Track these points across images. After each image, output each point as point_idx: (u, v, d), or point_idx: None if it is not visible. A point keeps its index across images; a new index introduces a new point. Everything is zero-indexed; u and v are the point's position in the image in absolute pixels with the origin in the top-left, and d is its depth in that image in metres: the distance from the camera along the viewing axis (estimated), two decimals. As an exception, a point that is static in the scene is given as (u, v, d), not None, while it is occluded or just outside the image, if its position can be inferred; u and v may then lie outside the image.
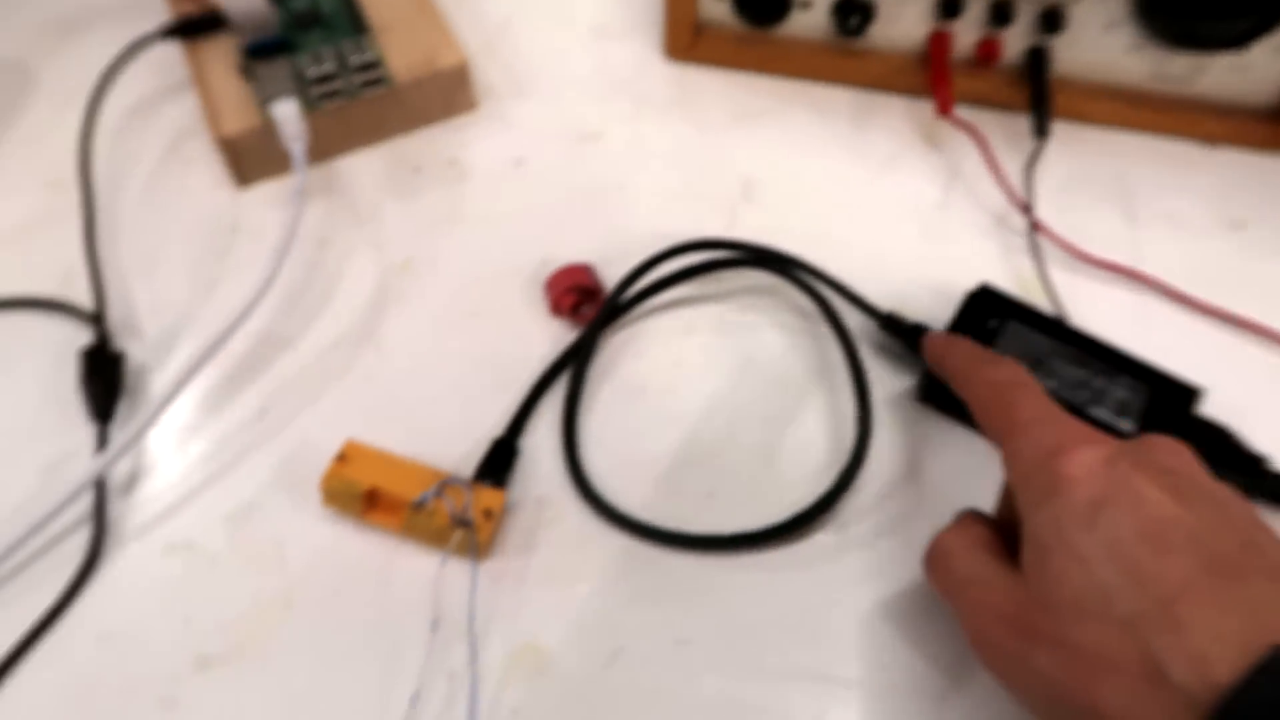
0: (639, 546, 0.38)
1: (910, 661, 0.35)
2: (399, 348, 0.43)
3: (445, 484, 0.36)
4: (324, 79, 0.45)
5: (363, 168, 0.49)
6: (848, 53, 0.51)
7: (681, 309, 0.44)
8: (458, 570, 0.36)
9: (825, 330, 0.43)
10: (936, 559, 0.32)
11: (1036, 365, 0.38)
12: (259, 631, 0.36)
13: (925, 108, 0.51)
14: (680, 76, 0.52)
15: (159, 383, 0.42)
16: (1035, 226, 0.45)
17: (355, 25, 0.48)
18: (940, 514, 0.38)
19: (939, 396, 0.40)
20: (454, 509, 0.36)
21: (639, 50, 0.53)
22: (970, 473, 0.39)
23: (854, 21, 0.48)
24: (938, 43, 0.48)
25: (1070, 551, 0.27)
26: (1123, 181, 0.48)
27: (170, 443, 0.40)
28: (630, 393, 0.41)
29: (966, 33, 0.48)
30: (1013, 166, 0.47)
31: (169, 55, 0.49)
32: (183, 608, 0.36)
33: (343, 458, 0.37)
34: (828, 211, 0.47)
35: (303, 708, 0.34)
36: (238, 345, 0.42)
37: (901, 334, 0.40)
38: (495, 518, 0.36)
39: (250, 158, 0.46)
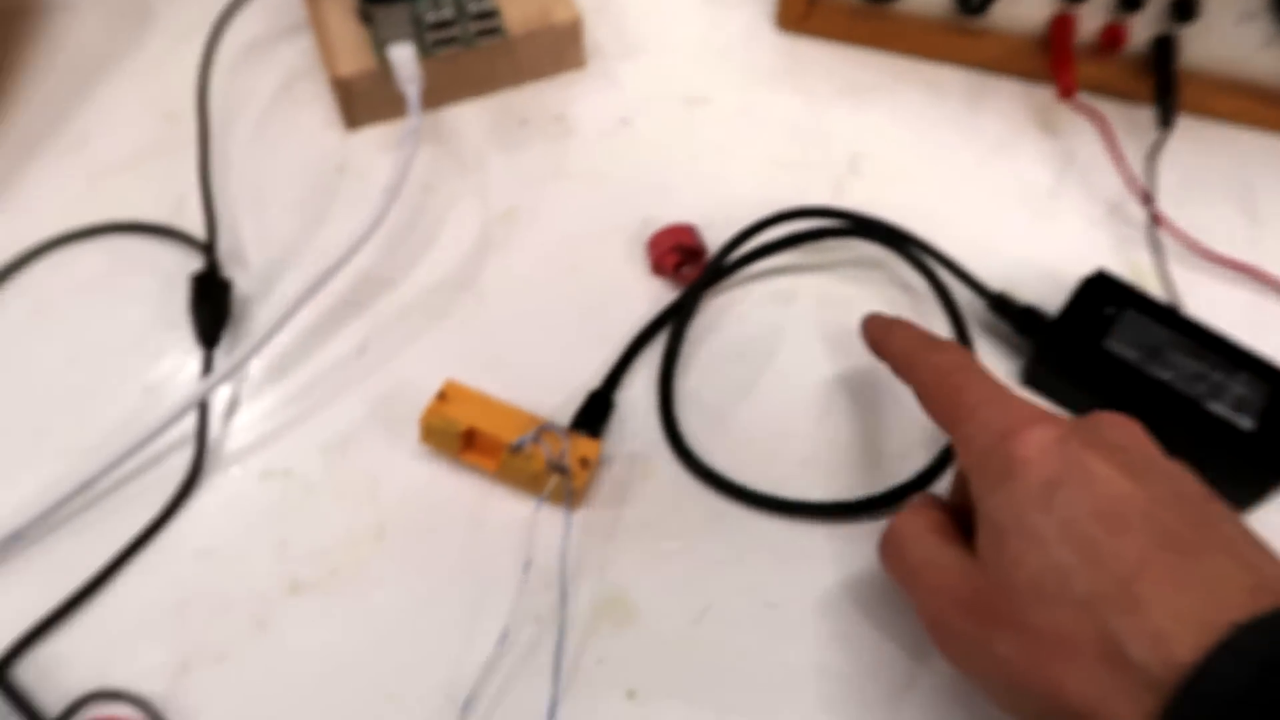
0: (731, 507, 0.37)
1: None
2: (498, 295, 0.43)
3: (543, 429, 0.36)
4: (441, 25, 0.46)
5: (470, 118, 0.49)
6: (965, 32, 0.50)
7: (784, 276, 0.43)
8: (549, 517, 0.36)
9: (930, 308, 0.42)
10: (890, 544, 0.31)
11: (1153, 356, 0.37)
12: (351, 560, 0.36)
13: (1041, 93, 0.49)
14: (791, 47, 0.52)
15: (263, 313, 0.42)
16: (1155, 219, 0.43)
17: (473, -25, 0.48)
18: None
19: (1045, 382, 0.39)
20: (550, 455, 0.36)
21: (750, 19, 0.53)
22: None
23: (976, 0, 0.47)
24: (1061, 26, 0.47)
25: (1026, 533, 0.26)
26: (1246, 180, 0.46)
27: (272, 372, 0.41)
28: (728, 356, 0.41)
29: (1092, 17, 0.47)
30: (1131, 157, 0.46)
31: (287, -5, 0.50)
32: (278, 531, 0.37)
33: (443, 396, 0.37)
34: (935, 191, 0.46)
35: (391, 637, 0.35)
36: (340, 282, 0.43)
37: (1011, 316, 0.40)
38: (591, 467, 0.36)
39: (362, 100, 0.47)
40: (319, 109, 0.49)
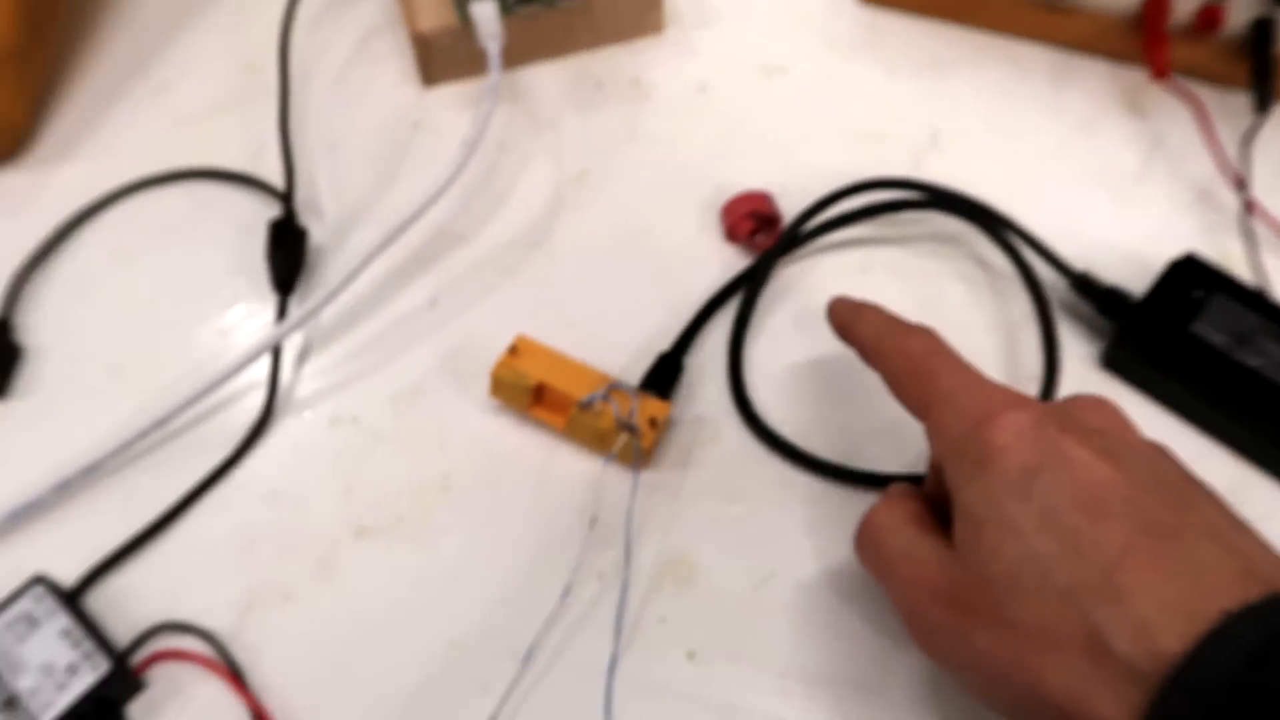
0: (798, 476, 0.37)
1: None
2: (569, 255, 0.43)
3: (612, 388, 0.36)
4: (523, -17, 0.45)
5: (546, 78, 0.49)
6: (1053, 9, 0.48)
7: (859, 248, 0.43)
8: (615, 476, 0.36)
9: (1009, 286, 0.41)
10: (866, 536, 0.31)
11: (1242, 342, 0.36)
12: (416, 509, 0.36)
13: (1129, 74, 0.48)
14: (872, 19, 0.51)
15: (337, 263, 0.43)
16: (1248, 206, 0.42)
17: (555, -65, 0.48)
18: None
19: (1125, 366, 0.38)
20: (619, 414, 0.36)
21: (831, -10, 0.52)
22: (1151, 447, 0.37)
23: (1068, -25, 0.46)
24: (1156, 5, 0.46)
25: (1004, 523, 0.25)
26: (1345, 169, 0.45)
27: (343, 321, 0.41)
28: (800, 324, 0.41)
29: (1188, -2, 0.46)
30: (1224, 142, 0.44)
31: (370, -49, 0.50)
32: (345, 477, 0.37)
33: (514, 350, 0.37)
34: (1016, 169, 0.45)
35: (454, 586, 0.35)
36: (414, 236, 0.43)
37: (1094, 296, 0.39)
38: (659, 427, 0.36)
39: (441, 57, 0.47)
40: (396, 65, 0.49)
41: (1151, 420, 0.37)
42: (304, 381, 0.40)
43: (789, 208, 0.43)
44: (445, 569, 0.35)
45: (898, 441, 0.38)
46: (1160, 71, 0.44)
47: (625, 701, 0.32)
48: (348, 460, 0.38)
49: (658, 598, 0.34)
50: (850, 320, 0.35)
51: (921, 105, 0.47)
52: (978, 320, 0.41)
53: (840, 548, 0.35)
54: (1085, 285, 0.39)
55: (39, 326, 0.41)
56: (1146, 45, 0.45)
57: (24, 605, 0.33)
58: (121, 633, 0.34)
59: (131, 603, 0.35)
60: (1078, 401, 0.28)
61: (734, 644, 0.33)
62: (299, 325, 0.39)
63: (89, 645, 0.32)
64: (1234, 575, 0.23)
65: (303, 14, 0.50)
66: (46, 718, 0.31)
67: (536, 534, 0.36)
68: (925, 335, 0.32)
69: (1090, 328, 0.40)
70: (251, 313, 0.41)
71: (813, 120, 0.47)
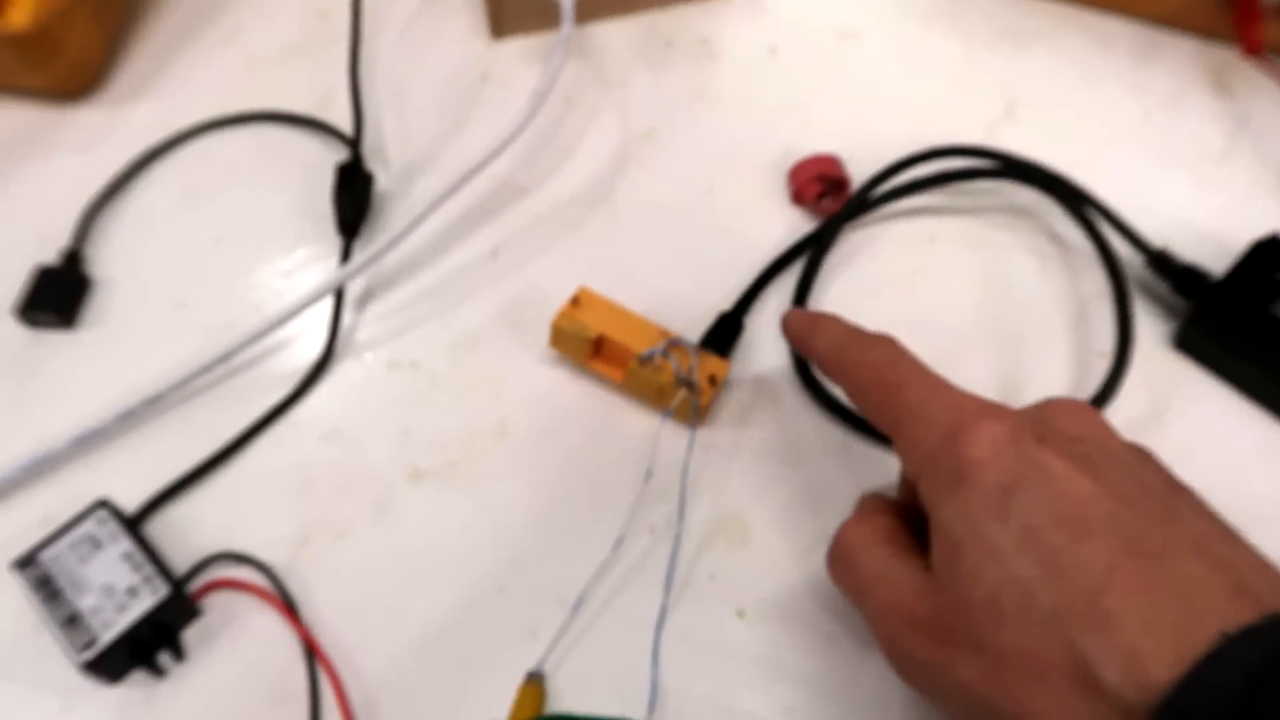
0: (855, 441, 0.37)
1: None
2: (633, 212, 0.42)
3: (673, 343, 0.36)
4: (598, -64, 0.45)
5: (615, 35, 0.48)
6: (1140, -18, 0.47)
7: (928, 217, 0.42)
8: (670, 432, 0.36)
9: (1082, 261, 0.40)
10: (839, 556, 0.29)
11: (1325, 325, 0.35)
12: (471, 455, 0.36)
13: (1215, 52, 0.47)
14: (950, -13, 0.50)
15: (402, 210, 0.43)
16: (1335, 186, 0.41)
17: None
18: (1181, 470, 0.35)
19: (1199, 346, 0.37)
20: (679, 369, 0.35)
21: (910, -45, 0.51)
22: (1221, 430, 0.36)
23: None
24: (1249, -21, 0.44)
25: (983, 545, 0.24)
26: None
27: (405, 268, 0.41)
28: (863, 290, 0.40)
29: (1284, -28, 0.44)
30: (1313, 122, 0.43)
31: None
32: (401, 420, 0.37)
33: (575, 301, 0.37)
34: (1093, 144, 0.44)
35: (506, 532, 0.35)
36: (478, 187, 0.43)
37: (1172, 274, 0.38)
38: (718, 385, 0.36)
39: (511, 8, 0.47)
40: (466, 16, 0.49)
41: (1221, 402, 0.37)
42: (364, 325, 0.40)
43: (857, 174, 0.42)
44: (497, 515, 0.35)
45: (959, 412, 0.37)
46: (1252, 48, 0.43)
47: (672, 655, 0.32)
48: (405, 404, 0.38)
49: (709, 555, 0.34)
50: (807, 332, 0.33)
51: (997, 76, 0.46)
52: (1047, 295, 0.40)
53: (896, 515, 0.35)
54: (1162, 262, 0.38)
55: (108, 260, 0.42)
56: (1238, 21, 0.44)
57: (88, 527, 0.33)
58: (179, 561, 0.34)
59: (190, 533, 0.35)
60: (1054, 406, 0.27)
61: (783, 606, 0.33)
62: (363, 269, 0.39)
63: (149, 569, 0.33)
64: (1224, 594, 0.22)
65: (375, -38, 0.50)
66: (107, 637, 0.31)
67: (590, 485, 0.36)
68: (888, 345, 0.30)
69: (1164, 307, 0.39)
70: (315, 256, 0.41)
71: (885, 87, 0.46)
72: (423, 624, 0.33)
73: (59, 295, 0.40)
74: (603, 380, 0.37)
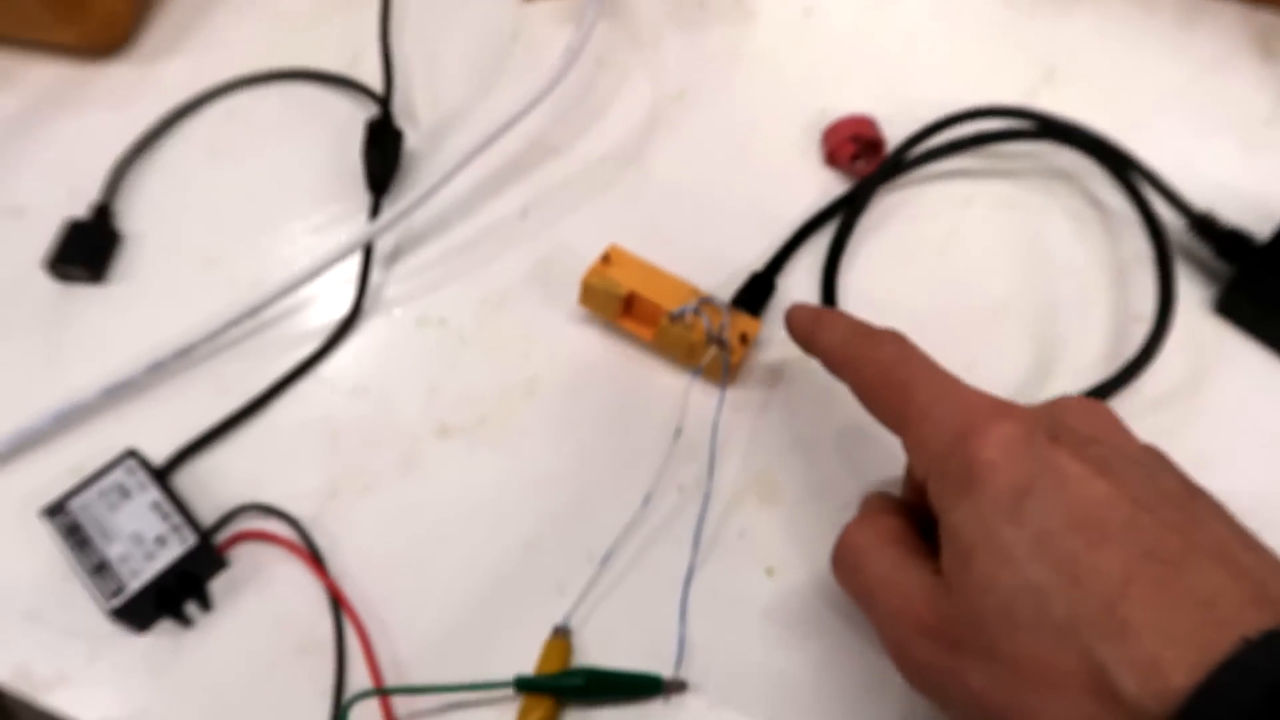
0: (889, 403, 0.36)
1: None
2: (664, 172, 0.42)
3: (704, 301, 0.35)
4: (632, -107, 0.44)
5: (648, -4, 0.48)
6: (1185, -56, 0.46)
7: (964, 180, 0.41)
8: (700, 391, 0.36)
9: (1121, 225, 0.39)
10: (844, 558, 0.28)
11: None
12: (500, 412, 0.36)
13: (1262, 17, 0.46)
14: (990, -50, 0.49)
15: (431, 168, 0.42)
16: (1385, 151, 0.40)
17: None
18: (1220, 435, 0.34)
19: (1241, 311, 0.36)
20: (710, 327, 0.35)
21: (948, -83, 0.50)
22: (1261, 395, 0.35)
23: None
24: (1299, -59, 0.43)
25: (995, 551, 0.23)
26: None
27: (434, 226, 0.41)
28: (897, 253, 0.39)
29: (1336, -67, 0.43)
30: (1364, 87, 0.42)
31: None
32: (429, 377, 0.37)
33: (606, 258, 0.36)
34: (1135, 108, 0.43)
35: (534, 488, 0.35)
36: (508, 146, 0.42)
37: (1215, 238, 0.37)
38: (750, 344, 0.35)
39: (543, -32, 0.46)
40: (497, -24, 0.48)
41: (1264, 367, 0.36)
42: (393, 282, 0.40)
43: (893, 136, 0.42)
44: (525, 471, 0.35)
45: (992, 375, 0.36)
46: (1301, 8, 0.42)
47: (700, 612, 0.32)
48: (433, 361, 0.38)
49: (738, 513, 0.34)
50: (811, 329, 0.32)
51: (1038, 40, 0.46)
52: (1086, 259, 0.39)
53: (929, 477, 0.34)
54: (1206, 226, 0.37)
55: (138, 215, 0.42)
56: (1287, -18, 0.43)
57: (117, 476, 0.34)
58: (206, 513, 0.34)
59: (217, 485, 0.35)
60: (1068, 406, 0.26)
61: (814, 565, 0.33)
62: (392, 224, 0.39)
63: (177, 519, 0.33)
64: (1245, 602, 0.21)
65: (406, -78, 0.49)
66: (134, 585, 0.31)
67: (618, 443, 0.35)
68: (895, 341, 0.29)
69: (1204, 272, 0.38)
70: (344, 213, 0.41)
71: (922, 49, 0.45)
72: (449, 578, 0.33)
73: (88, 249, 0.40)
74: (632, 339, 0.37)
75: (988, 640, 0.23)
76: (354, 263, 0.39)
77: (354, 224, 0.41)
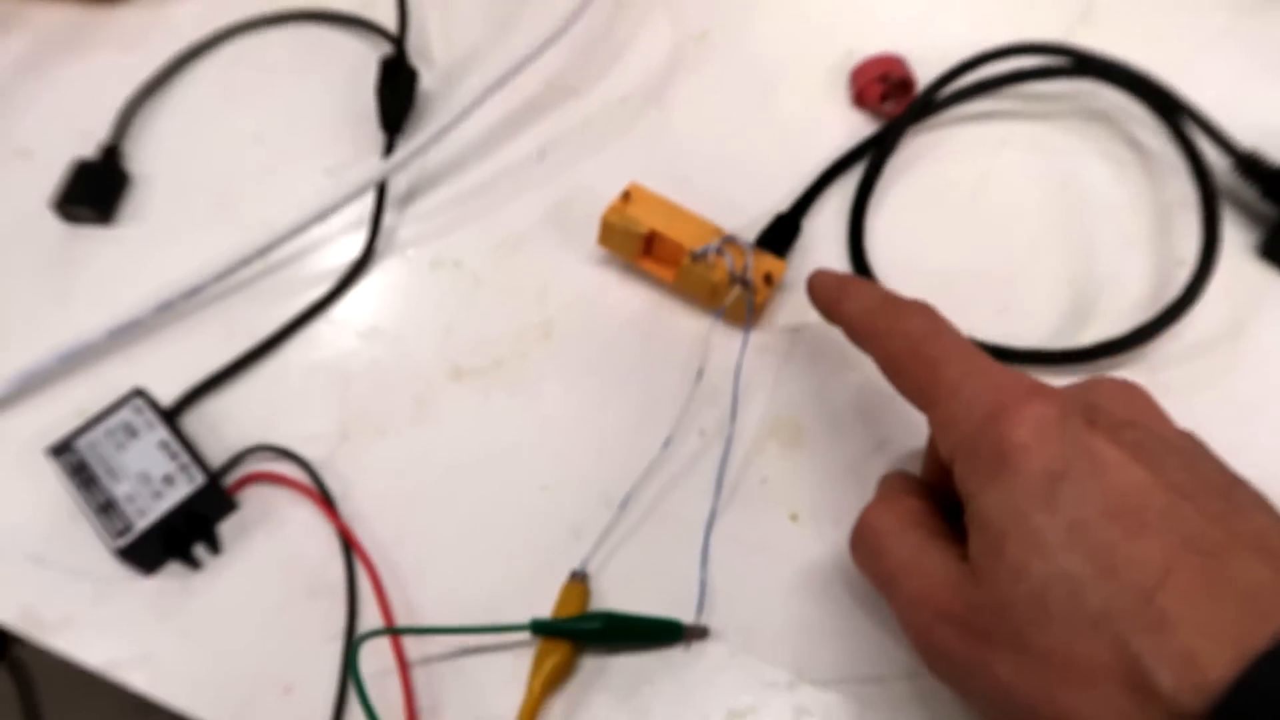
0: (918, 347, 0.35)
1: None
2: (686, 114, 0.41)
3: (727, 240, 0.34)
4: None
5: (669, -65, 0.46)
6: (1230, -120, 0.44)
7: (997, 121, 0.40)
8: (723, 334, 0.34)
9: (1161, 167, 0.38)
10: (863, 542, 0.27)
11: None
12: (515, 354, 0.35)
13: (1309, -44, 0.44)
14: (1024, -112, 0.47)
15: (446, 109, 0.41)
16: None
17: None
18: (1264, 382, 0.33)
19: (1289, 255, 0.35)
20: (733, 267, 0.34)
21: None
22: (1310, 343, 0.34)
23: None
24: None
25: (1028, 538, 0.22)
26: None
27: (449, 168, 0.40)
28: (927, 195, 0.38)
29: None
30: None
31: None
32: (444, 319, 0.36)
33: (626, 196, 0.35)
34: (1176, 48, 0.41)
35: (550, 432, 0.34)
36: (525, 87, 0.41)
37: (1261, 177, 0.35)
38: (774, 284, 0.34)
39: (562, -95, 0.45)
40: (514, -84, 0.47)
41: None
42: (407, 224, 0.39)
43: (923, 75, 0.40)
44: (541, 415, 0.34)
45: (1027, 319, 0.35)
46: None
47: (722, 557, 0.31)
48: (447, 303, 0.37)
49: (761, 458, 0.33)
50: (836, 296, 0.30)
51: (1075, -23, 0.44)
52: (1124, 201, 0.38)
53: (960, 422, 0.33)
54: (1252, 165, 0.36)
55: (147, 157, 0.41)
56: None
57: (124, 415, 0.33)
58: (216, 456, 0.33)
59: (227, 427, 0.34)
60: (1103, 387, 0.25)
61: (839, 511, 0.32)
62: (406, 162, 0.38)
63: (185, 458, 0.32)
64: None
65: None
66: (142, 524, 0.31)
67: (637, 387, 0.34)
68: (924, 313, 0.28)
69: (1249, 215, 0.37)
70: (357, 154, 0.40)
71: (954, -13, 0.44)
72: (463, 521, 0.32)
73: (97, 190, 0.39)
74: (652, 281, 0.36)
75: (1016, 630, 0.22)
76: (367, 204, 0.38)
77: (368, 166, 0.40)
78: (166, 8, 0.45)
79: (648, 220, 0.35)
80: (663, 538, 0.31)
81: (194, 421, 0.34)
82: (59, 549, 0.32)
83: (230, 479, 0.33)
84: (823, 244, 0.37)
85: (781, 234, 0.36)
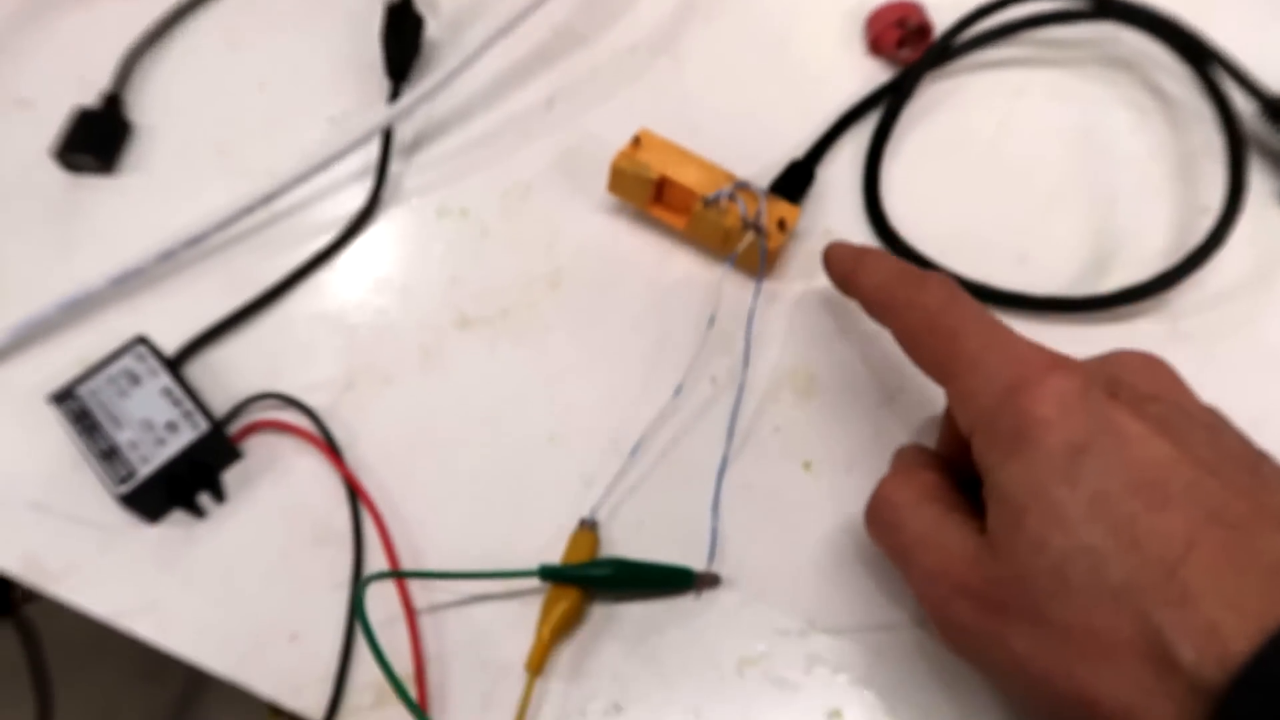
0: (935, 296, 0.34)
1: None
2: (698, 62, 0.40)
3: (739, 186, 0.33)
4: None
5: (681, -118, 0.45)
6: None
7: (1016, 68, 0.39)
8: (736, 282, 0.34)
9: (1184, 115, 0.37)
10: (879, 515, 0.27)
11: None
12: (523, 303, 0.35)
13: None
14: None
15: (452, 58, 0.40)
16: None
17: None
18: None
19: (1316, 203, 0.34)
20: (746, 213, 0.33)
21: None
22: (1337, 293, 0.33)
23: None
24: None
25: (1048, 511, 0.21)
26: None
27: (456, 115, 0.39)
28: (944, 143, 0.37)
29: None
30: None
31: None
32: (451, 268, 0.36)
33: (636, 142, 0.35)
34: (1200, -3, 0.40)
35: (558, 381, 0.33)
36: (533, 34, 0.40)
37: (1288, 122, 0.34)
38: (788, 230, 0.33)
39: None
40: None
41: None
42: (413, 173, 0.38)
43: (940, 20, 0.39)
44: (550, 363, 0.33)
45: (1047, 267, 0.34)
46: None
47: (734, 506, 0.30)
48: (454, 252, 0.36)
49: (774, 406, 0.32)
50: (852, 267, 0.30)
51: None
52: (1148, 150, 0.37)
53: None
54: (1279, 111, 0.35)
55: (149, 106, 0.40)
56: None
57: (126, 362, 0.32)
58: (220, 405, 0.33)
59: (231, 377, 0.34)
60: (1126, 360, 0.24)
61: (855, 457, 0.31)
62: (411, 109, 0.37)
63: (188, 405, 0.31)
64: None
65: None
66: (145, 470, 0.30)
67: (648, 335, 0.34)
68: (942, 285, 0.27)
69: (1275, 162, 0.36)
70: (363, 103, 0.39)
71: (972, -66, 0.43)
72: (470, 470, 0.32)
73: (98, 138, 0.38)
74: (664, 229, 0.35)
75: (1035, 603, 0.22)
76: (372, 153, 0.38)
77: (372, 112, 0.39)
78: (168, -44, 0.44)
79: (659, 166, 0.34)
80: (674, 486, 0.31)
81: (198, 371, 0.34)
82: (62, 497, 0.32)
83: (235, 427, 0.33)
84: (838, 192, 0.36)
85: (795, 181, 0.35)
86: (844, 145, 0.37)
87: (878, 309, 0.29)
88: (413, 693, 0.28)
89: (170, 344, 0.34)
